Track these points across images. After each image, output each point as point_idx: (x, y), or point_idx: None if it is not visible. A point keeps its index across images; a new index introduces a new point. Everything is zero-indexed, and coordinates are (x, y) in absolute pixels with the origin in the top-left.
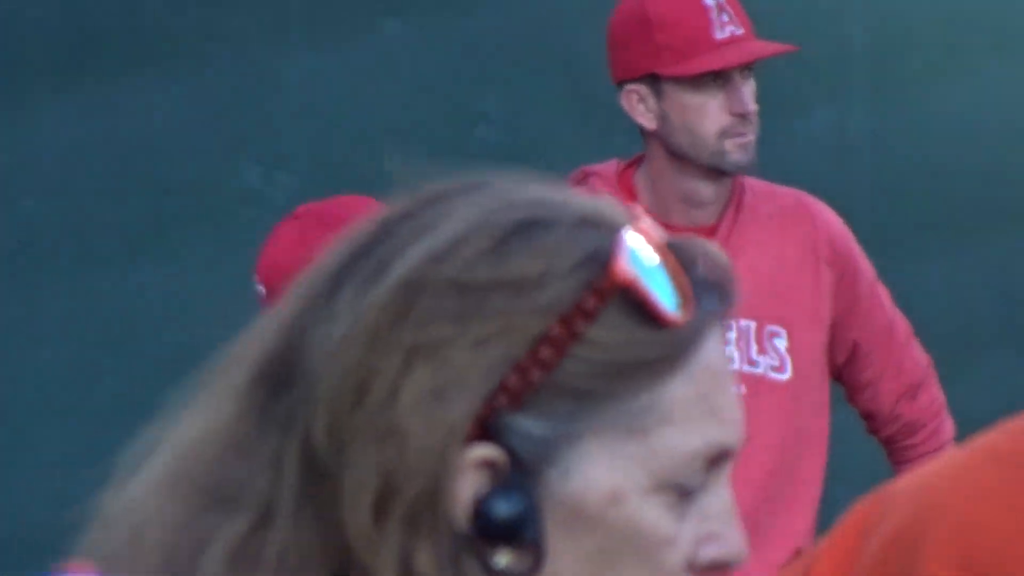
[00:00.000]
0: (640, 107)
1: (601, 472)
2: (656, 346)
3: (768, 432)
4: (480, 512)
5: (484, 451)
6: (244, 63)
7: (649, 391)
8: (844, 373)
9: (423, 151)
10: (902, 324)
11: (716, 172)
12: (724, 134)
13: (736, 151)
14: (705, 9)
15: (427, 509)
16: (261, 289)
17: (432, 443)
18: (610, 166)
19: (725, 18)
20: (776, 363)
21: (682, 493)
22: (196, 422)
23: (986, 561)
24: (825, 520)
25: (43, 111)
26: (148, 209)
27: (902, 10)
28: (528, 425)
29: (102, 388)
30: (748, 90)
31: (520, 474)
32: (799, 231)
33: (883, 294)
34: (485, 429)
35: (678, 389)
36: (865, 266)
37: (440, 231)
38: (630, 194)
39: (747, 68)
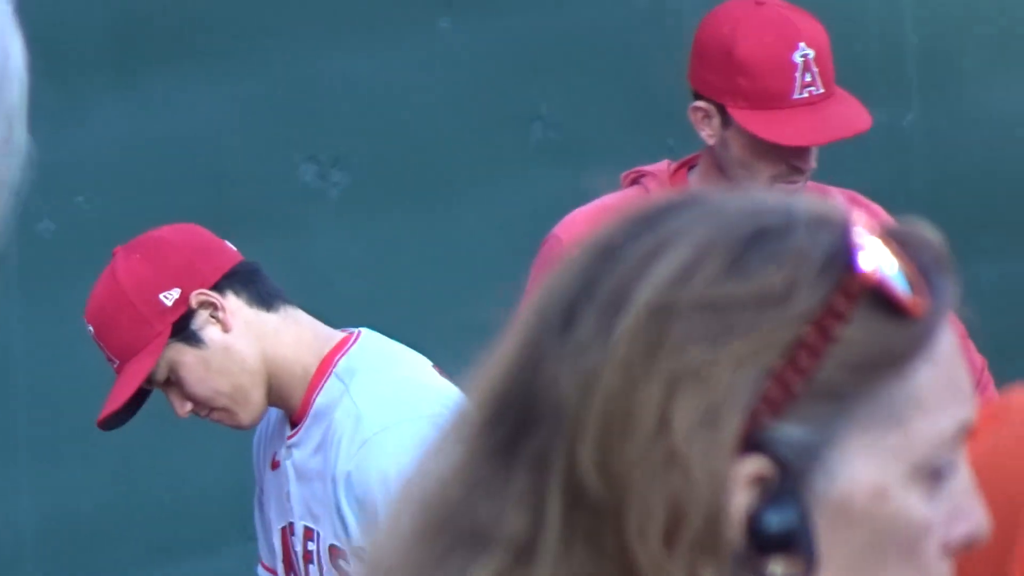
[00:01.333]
0: (704, 123)
1: (864, 469)
2: (904, 337)
3: None
4: (754, 526)
5: (754, 465)
6: (301, 61)
7: (901, 382)
8: None
9: (477, 150)
10: (956, 325)
11: None
12: (777, 178)
13: None
14: (792, 67)
15: (711, 531)
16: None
17: (713, 466)
18: (663, 166)
19: (808, 78)
20: None
21: (935, 477)
22: (438, 466)
23: None
24: None
25: (99, 107)
26: (203, 206)
27: (954, 10)
28: (792, 433)
29: None
30: (815, 149)
31: (789, 483)
32: None
33: None
34: (752, 443)
35: (926, 375)
36: None
37: (673, 252)
38: None
39: None
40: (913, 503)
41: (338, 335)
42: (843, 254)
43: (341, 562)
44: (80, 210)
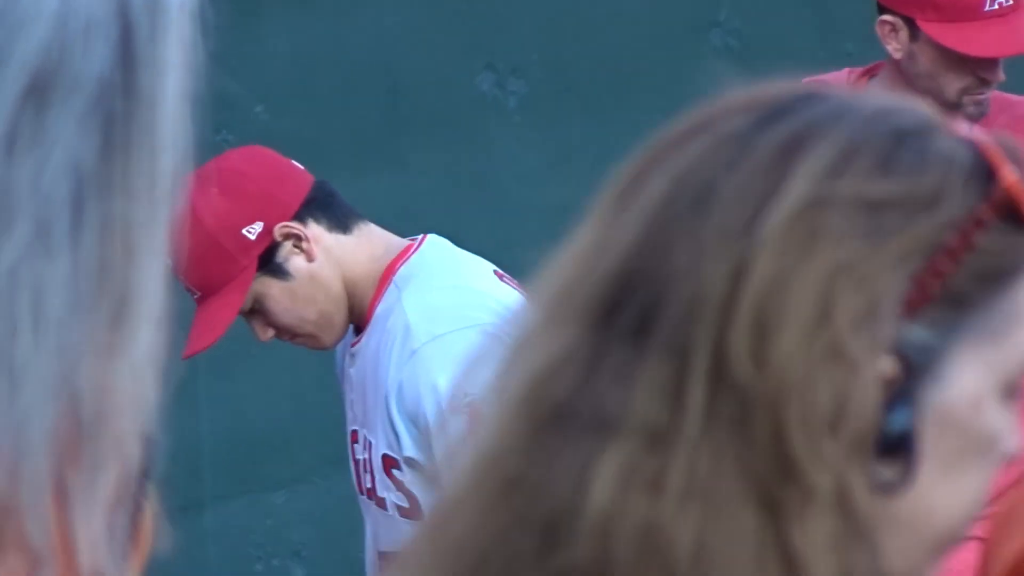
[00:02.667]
0: (891, 36)
1: (969, 378)
2: (1022, 249)
3: None
4: (880, 426)
5: (889, 364)
6: None
7: (1010, 295)
8: None
9: (657, 58)
10: None
11: (947, 113)
12: (965, 91)
13: (971, 106)
14: None
15: (866, 426)
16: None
17: (874, 362)
18: (842, 75)
19: None
20: None
21: (1011, 393)
22: (544, 351)
23: None
24: None
25: (275, 19)
26: (380, 116)
27: None
28: (921, 336)
29: None
30: (1000, 64)
31: (912, 385)
32: None
33: None
34: (891, 343)
35: (1022, 291)
36: None
37: (821, 145)
38: None
39: None
40: (998, 416)
41: (405, 243)
42: (986, 163)
43: (395, 471)
44: (258, 120)
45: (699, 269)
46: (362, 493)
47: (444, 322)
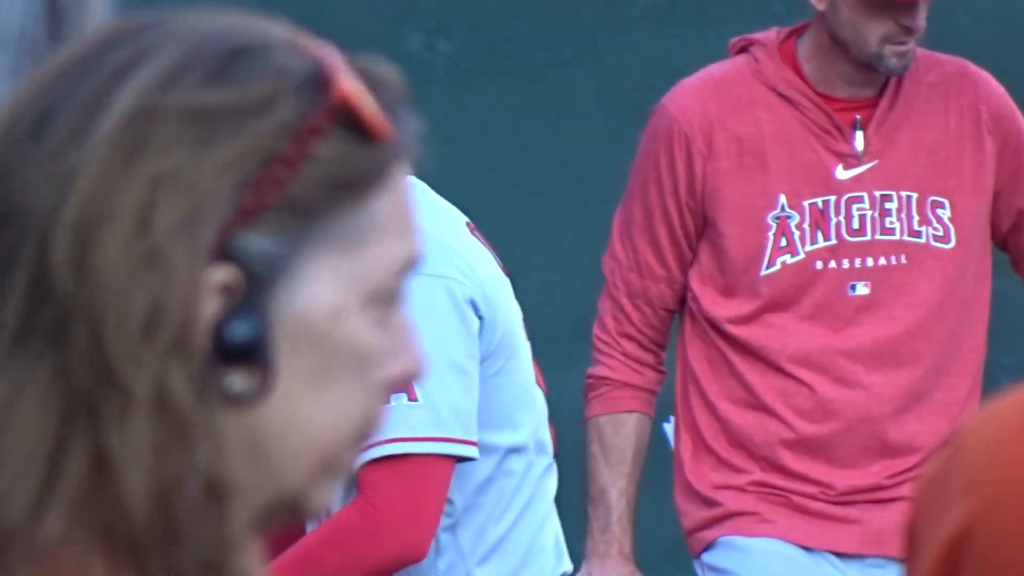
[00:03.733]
0: None
1: (324, 289)
2: (370, 160)
3: (930, 299)
4: (218, 335)
5: (224, 274)
6: None
7: (364, 206)
8: (1009, 242)
9: (584, 20)
10: None
11: (870, 68)
12: (886, 39)
13: (893, 57)
14: None
15: (184, 332)
16: None
17: (191, 269)
18: (771, 34)
19: None
20: (939, 232)
21: (385, 305)
22: None
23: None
24: (988, 386)
25: None
26: None
27: None
28: (259, 243)
29: None
30: (924, 6)
31: (253, 294)
32: (962, 101)
33: None
34: (223, 252)
35: (384, 204)
36: None
37: (155, 60)
38: (792, 64)
39: None
40: (366, 328)
41: None
42: (321, 74)
43: None
44: None
45: (32, 188)
46: None
47: None
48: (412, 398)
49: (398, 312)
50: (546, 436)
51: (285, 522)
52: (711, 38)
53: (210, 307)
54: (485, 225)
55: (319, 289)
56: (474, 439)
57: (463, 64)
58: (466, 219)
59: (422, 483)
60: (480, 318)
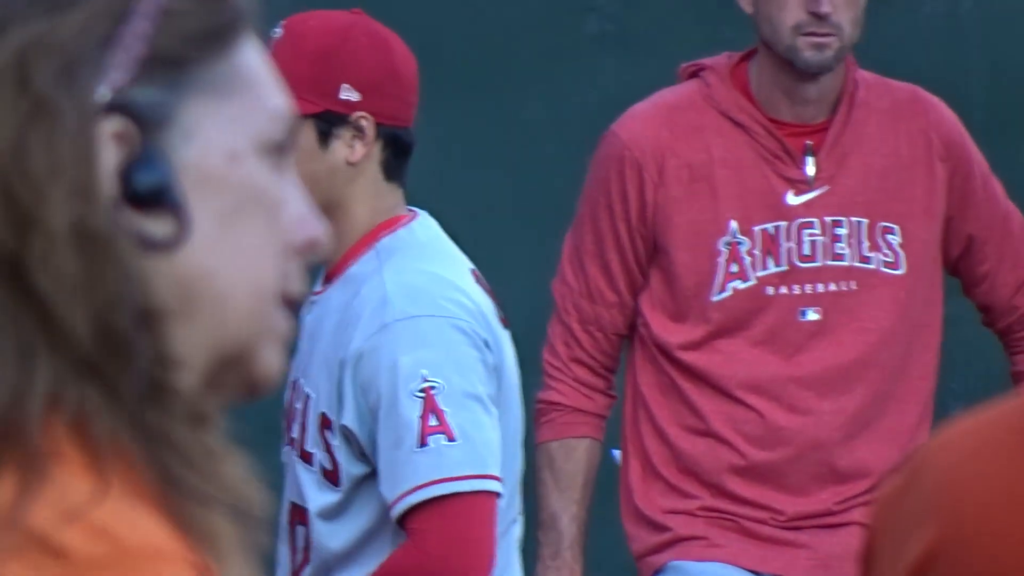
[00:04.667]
0: None
1: (215, 133)
2: (221, 14)
3: (880, 326)
4: (126, 182)
5: (115, 124)
6: None
7: (231, 55)
8: (960, 266)
9: (534, 43)
10: (1017, 216)
11: (791, 67)
12: (798, 30)
13: (808, 49)
14: None
15: (83, 178)
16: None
17: (81, 118)
18: (722, 59)
19: None
20: (890, 258)
21: (277, 153)
22: None
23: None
24: (939, 412)
25: None
26: None
27: None
28: (142, 94)
29: None
30: None
31: (149, 141)
32: (913, 126)
33: (997, 188)
34: (110, 105)
35: (251, 55)
36: (979, 160)
37: None
38: (743, 89)
39: None
40: (263, 171)
41: (396, 212)
42: None
43: (327, 432)
44: None
45: None
46: (286, 442)
47: (421, 305)
48: (451, 438)
49: (292, 182)
50: (519, 493)
51: (242, 392)
52: (662, 64)
53: (110, 156)
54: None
55: (210, 134)
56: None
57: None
58: (471, 266)
59: (470, 522)
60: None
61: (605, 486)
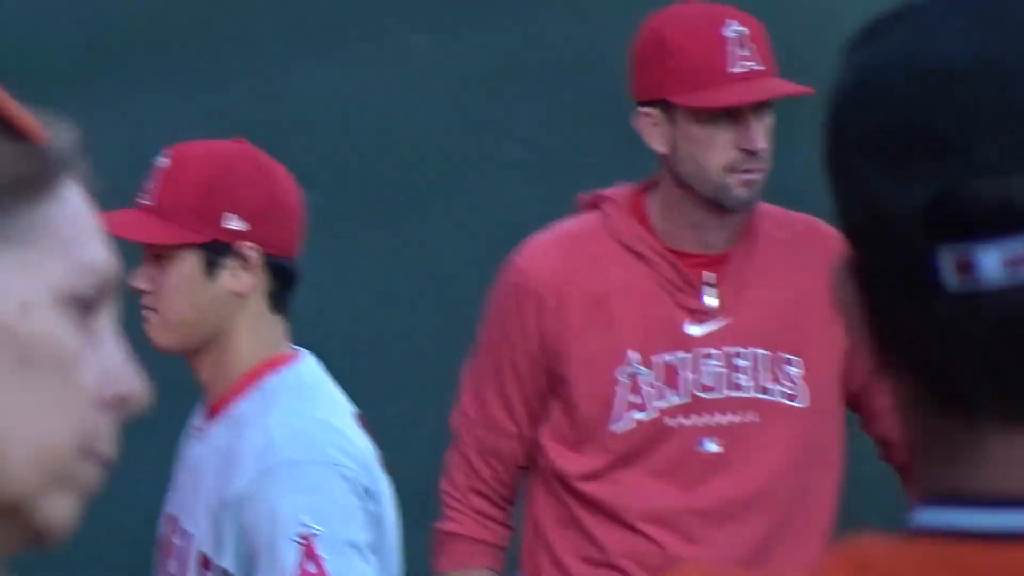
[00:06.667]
0: (653, 131)
1: (8, 285)
2: (31, 161)
3: (781, 458)
4: None
5: None
6: (267, 75)
7: (36, 206)
8: (859, 401)
9: (447, 169)
10: None
11: (719, 206)
12: (729, 169)
13: (740, 187)
14: (723, 41)
15: None
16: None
17: None
18: (623, 191)
19: (745, 52)
20: (791, 391)
21: (84, 310)
22: None
23: None
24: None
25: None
26: None
27: None
28: None
29: None
30: (760, 127)
31: None
32: (815, 258)
33: None
34: None
35: (60, 208)
36: None
37: None
38: (642, 219)
39: (763, 105)
40: (59, 325)
41: (281, 349)
42: None
43: (206, 573)
44: None
45: None
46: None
47: (306, 451)
48: None
49: (107, 330)
50: None
51: (30, 541)
52: (579, 190)
53: None
54: (349, 371)
55: (4, 285)
56: None
57: (326, 212)
58: (354, 409)
59: None
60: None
61: None
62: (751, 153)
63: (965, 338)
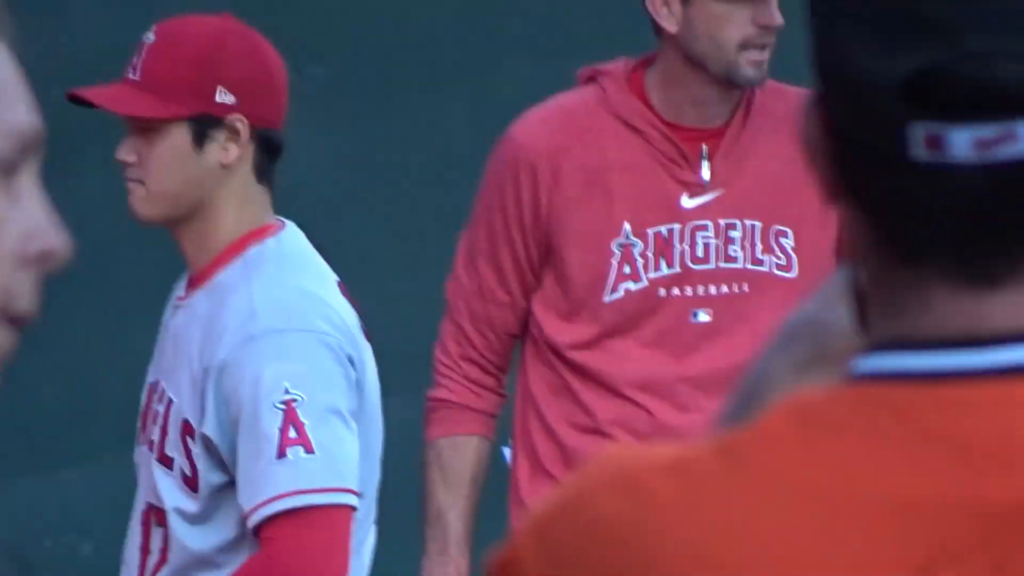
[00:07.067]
0: (664, 10)
1: None
2: None
3: (772, 328)
4: None
5: None
6: None
7: None
8: None
9: (456, 45)
10: None
11: (728, 83)
12: (745, 46)
13: (750, 67)
14: None
15: None
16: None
17: None
18: (620, 65)
19: None
20: (782, 262)
21: (4, 172)
22: None
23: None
24: None
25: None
26: None
27: None
28: None
29: None
30: (775, 2)
31: None
32: None
33: None
34: None
35: None
36: None
37: None
38: (639, 94)
39: None
40: None
41: (266, 220)
42: None
43: (189, 439)
44: None
45: None
46: (142, 443)
47: (288, 319)
48: (309, 450)
49: (29, 189)
50: (375, 505)
51: None
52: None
53: None
54: (350, 248)
55: None
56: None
57: (333, 90)
58: (336, 278)
59: (324, 534)
60: (354, 375)
61: (496, 483)
62: (767, 28)
63: (926, 207)
